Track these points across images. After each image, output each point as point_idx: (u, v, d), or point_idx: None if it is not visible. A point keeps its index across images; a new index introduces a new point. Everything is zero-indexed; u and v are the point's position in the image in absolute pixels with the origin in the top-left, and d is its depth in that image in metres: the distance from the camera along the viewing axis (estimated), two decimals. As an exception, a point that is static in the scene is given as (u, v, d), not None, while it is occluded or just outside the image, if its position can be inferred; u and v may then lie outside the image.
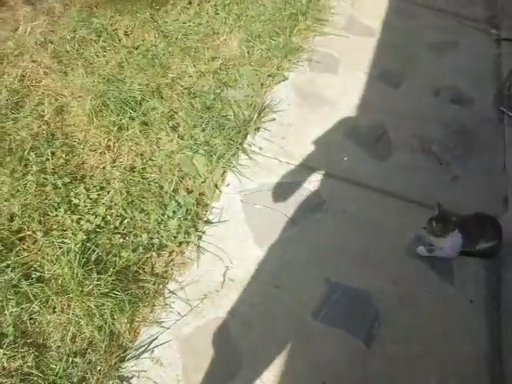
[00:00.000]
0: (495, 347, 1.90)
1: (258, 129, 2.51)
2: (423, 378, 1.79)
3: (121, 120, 2.37)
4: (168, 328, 1.78)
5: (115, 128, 2.33)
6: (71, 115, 2.39)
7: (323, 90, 2.80)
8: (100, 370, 1.64)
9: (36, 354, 1.65)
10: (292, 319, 1.87)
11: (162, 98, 2.55)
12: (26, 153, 2.17)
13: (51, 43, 2.70)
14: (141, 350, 1.71)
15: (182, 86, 2.63)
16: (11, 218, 1.98)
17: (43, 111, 2.37)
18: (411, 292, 2.03)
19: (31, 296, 1.74)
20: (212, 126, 2.43)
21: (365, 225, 2.23)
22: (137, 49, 2.76)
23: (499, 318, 1.99)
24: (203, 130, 2.41)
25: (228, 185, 2.27)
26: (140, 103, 2.48)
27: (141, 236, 2.00)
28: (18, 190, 2.06)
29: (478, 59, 3.25)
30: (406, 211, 2.31)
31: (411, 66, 3.09)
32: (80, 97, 2.47)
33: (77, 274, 1.79)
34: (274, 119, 2.58)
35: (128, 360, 1.69)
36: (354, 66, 2.99)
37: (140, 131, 2.36)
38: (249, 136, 2.47)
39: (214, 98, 2.60)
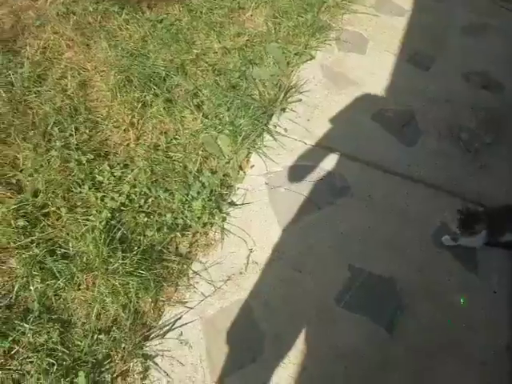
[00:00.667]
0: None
1: (283, 109, 2.45)
2: (443, 367, 1.78)
3: (145, 96, 2.33)
4: (192, 308, 1.78)
5: (139, 105, 2.30)
6: (94, 90, 2.36)
7: (351, 70, 2.72)
8: (124, 347, 1.66)
9: (61, 330, 1.67)
10: (314, 304, 1.87)
11: (186, 74, 2.50)
12: (49, 127, 2.16)
13: (73, 14, 2.65)
14: (165, 329, 1.72)
15: (206, 62, 2.57)
16: (35, 194, 1.98)
17: (66, 85, 2.34)
18: (435, 281, 2.01)
19: (56, 272, 1.75)
20: (237, 105, 2.38)
21: (390, 211, 2.19)
22: (160, 22, 2.70)
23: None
24: (228, 110, 2.36)
25: (252, 166, 2.24)
26: (164, 79, 2.43)
27: (165, 216, 1.99)
28: (42, 166, 2.05)
29: (509, 43, 3.12)
30: (431, 198, 2.26)
31: (441, 49, 2.98)
32: (103, 71, 2.43)
33: (102, 252, 1.79)
34: (300, 100, 2.52)
35: (152, 339, 1.70)
36: (383, 46, 2.89)
37: (164, 108, 2.32)
38: (274, 117, 2.42)
39: (239, 76, 2.54)
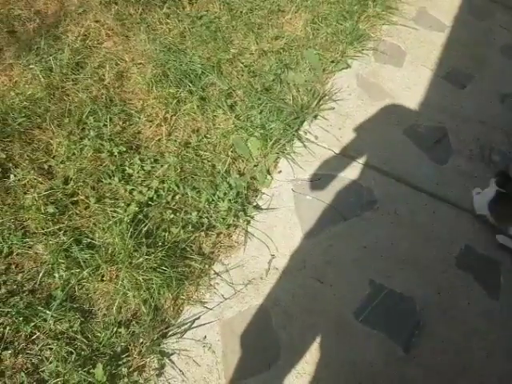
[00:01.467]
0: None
1: (315, 116, 2.44)
2: (459, 394, 1.77)
3: (180, 93, 2.34)
4: (211, 309, 1.79)
5: (174, 101, 2.30)
6: (131, 82, 2.38)
7: (386, 82, 2.69)
8: (142, 343, 1.67)
9: (82, 319, 1.69)
10: (333, 316, 1.86)
11: (221, 73, 2.50)
12: (84, 116, 2.18)
13: (115, 4, 2.66)
14: (183, 328, 1.73)
15: (242, 63, 2.56)
16: (66, 181, 2.01)
17: (103, 75, 2.36)
18: (455, 304, 1.98)
19: (82, 262, 1.77)
20: (270, 108, 2.38)
21: (415, 229, 2.16)
22: (200, 19, 2.70)
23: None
24: (260, 112, 2.36)
25: (280, 172, 2.23)
26: (200, 77, 2.44)
27: (191, 214, 2.00)
28: (74, 154, 2.08)
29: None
30: (458, 219, 2.23)
31: (479, 68, 2.92)
32: (141, 64, 2.44)
33: (128, 246, 1.81)
34: (333, 108, 2.50)
35: (170, 336, 1.71)
36: (420, 60, 2.85)
37: (197, 106, 2.33)
38: (305, 123, 2.41)
39: (274, 80, 2.54)
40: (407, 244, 2.12)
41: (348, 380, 1.73)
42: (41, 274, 1.74)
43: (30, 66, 2.30)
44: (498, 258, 2.13)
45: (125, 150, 2.13)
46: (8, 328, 1.60)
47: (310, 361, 1.75)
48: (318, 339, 1.80)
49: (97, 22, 2.57)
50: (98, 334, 1.66)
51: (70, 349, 1.61)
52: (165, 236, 1.92)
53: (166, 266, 1.80)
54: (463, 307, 1.98)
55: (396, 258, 2.06)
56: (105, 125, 2.18)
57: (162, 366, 1.64)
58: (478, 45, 3.05)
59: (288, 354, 1.75)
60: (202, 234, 1.97)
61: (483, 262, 2.12)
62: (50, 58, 2.32)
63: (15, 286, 1.72)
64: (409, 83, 2.72)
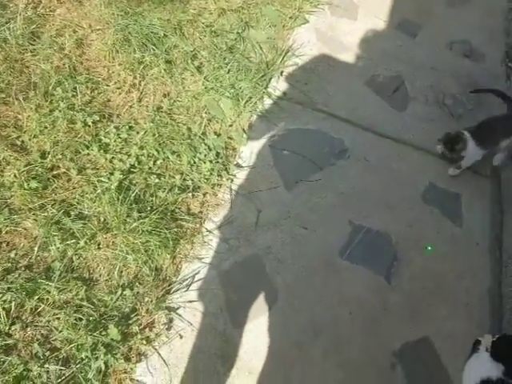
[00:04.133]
0: (496, 282, 2.12)
1: (281, 73, 2.50)
2: (436, 309, 2.00)
3: (145, 57, 2.30)
4: (208, 263, 1.88)
5: (140, 66, 2.27)
6: (92, 49, 2.31)
7: (344, 35, 2.78)
8: (148, 301, 1.74)
9: (85, 287, 1.72)
10: (320, 257, 2.02)
11: (183, 35, 2.47)
12: (51, 88, 2.10)
13: (62, -32, 2.51)
14: (185, 283, 1.82)
15: (203, 23, 2.55)
16: (43, 155, 1.96)
17: (63, 43, 2.27)
18: (425, 234, 2.20)
19: (76, 232, 1.78)
20: (237, 67, 2.41)
21: (384, 173, 2.34)
22: (154, -21, 2.62)
23: (501, 257, 2.20)
24: (228, 72, 2.39)
25: (255, 129, 2.30)
26: (162, 40, 2.40)
27: (174, 177, 2.04)
28: (46, 127, 2.02)
29: (491, 14, 3.26)
30: (421, 160, 2.43)
31: (427, 18, 3.08)
32: (99, 29, 2.36)
33: (120, 212, 1.83)
34: (297, 64, 2.58)
35: (174, 293, 1.79)
36: (373, 12, 2.96)
37: (164, 70, 2.31)
38: (273, 80, 2.47)
39: (236, 39, 2.55)
40: (379, 187, 2.29)
41: (339, 311, 1.90)
42: (36, 249, 1.73)
43: (-18, 39, 2.17)
44: (458, 191, 2.36)
45: (98, 119, 2.10)
46: (13, 303, 1.60)
47: (305, 298, 1.90)
48: (310, 279, 1.95)
49: (45, -13, 2.43)
50: (104, 299, 1.71)
51: (79, 315, 1.65)
52: (153, 200, 1.95)
53: (160, 228, 1.85)
54: (433, 236, 2.20)
55: (370, 200, 2.23)
56: (73, 95, 2.12)
57: (171, 320, 1.73)
58: (424, -5, 3.21)
59: (284, 295, 1.89)
60: (189, 195, 2.02)
61: (446, 195, 2.34)
62: (4, 28, 2.19)
63: (10, 264, 1.71)
64: (365, 35, 2.83)
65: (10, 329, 1.59)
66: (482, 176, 2.47)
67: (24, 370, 1.55)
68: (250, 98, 2.34)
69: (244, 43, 2.56)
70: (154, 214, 1.87)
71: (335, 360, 1.79)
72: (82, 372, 1.58)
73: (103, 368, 1.57)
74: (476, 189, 2.42)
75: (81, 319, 1.65)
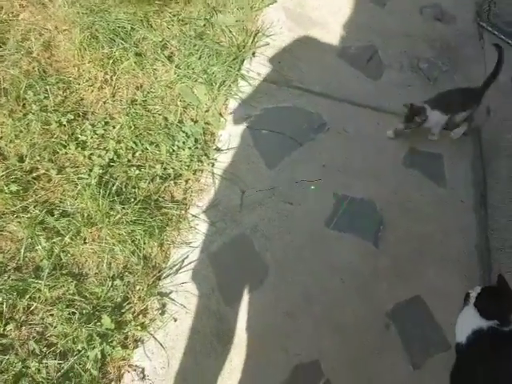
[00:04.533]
0: (484, 237, 2.15)
1: (253, 54, 2.51)
2: (425, 269, 2.02)
3: (114, 52, 2.30)
4: (197, 247, 1.89)
5: (110, 61, 2.27)
6: (60, 50, 2.30)
7: (312, 11, 2.78)
8: (139, 289, 1.76)
9: (75, 282, 1.73)
10: (307, 230, 2.03)
11: (151, 26, 2.47)
12: (22, 92, 2.10)
13: (22, -28, 2.50)
14: (175, 268, 1.83)
15: (170, 12, 2.54)
16: (21, 159, 1.97)
17: (30, 47, 2.26)
18: (410, 198, 2.22)
19: (61, 229, 1.79)
20: (207, 53, 2.41)
21: (364, 142, 2.35)
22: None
23: (486, 213, 2.22)
24: (199, 58, 2.39)
25: (232, 112, 2.31)
26: (130, 34, 2.40)
27: (155, 167, 2.05)
28: (21, 131, 2.02)
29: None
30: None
31: (394, -16, 3.08)
32: (66, 30, 2.36)
33: (102, 206, 1.84)
34: (268, 44, 2.58)
35: (164, 278, 1.81)
36: (340, -16, 2.95)
37: (135, 63, 2.31)
38: (245, 62, 2.47)
39: (205, 25, 2.55)
40: (360, 156, 2.30)
41: (331, 280, 1.92)
42: (23, 250, 1.74)
43: None
44: (439, 152, 2.38)
45: (72, 118, 2.10)
46: (5, 304, 1.62)
47: (296, 271, 1.92)
48: (299, 252, 1.97)
49: (6, -7, 2.42)
50: (95, 291, 1.72)
51: (72, 310, 1.66)
52: (135, 192, 1.96)
53: (144, 218, 1.86)
54: (417, 199, 2.22)
55: (352, 170, 2.24)
56: (45, 97, 2.12)
57: (164, 305, 1.75)
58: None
59: (275, 269, 1.91)
60: (171, 183, 2.03)
61: (427, 158, 2.36)
62: (-33, 37, 2.19)
63: (-2, 267, 1.72)
64: (334, 8, 2.83)
65: (4, 329, 1.60)
66: (464, 135, 2.48)
67: (23, 367, 1.56)
68: (224, 81, 2.35)
69: (213, 28, 2.55)
70: (137, 204, 1.88)
71: (330, 327, 1.81)
72: (80, 364, 1.59)
73: (100, 357, 1.59)
74: (457, 149, 2.43)
75: (74, 313, 1.66)
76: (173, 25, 2.51)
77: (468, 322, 1.76)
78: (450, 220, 2.18)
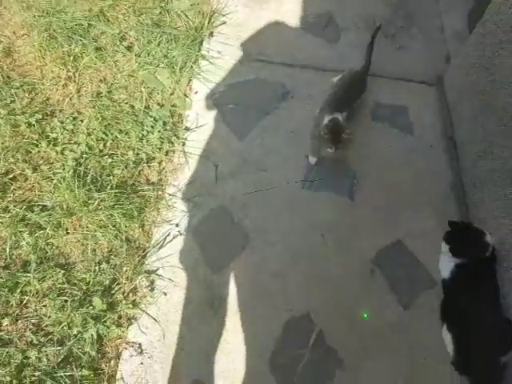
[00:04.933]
0: (458, 178, 2.21)
1: (211, 34, 2.54)
2: (403, 215, 2.08)
3: (73, 49, 2.33)
4: (177, 224, 1.94)
5: (70, 58, 2.30)
6: (21, 54, 2.33)
7: (265, -15, 2.82)
8: (126, 270, 1.81)
9: (63, 271, 1.78)
10: (283, 194, 2.08)
11: (108, 20, 2.50)
12: (-13, 99, 2.14)
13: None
14: (158, 246, 1.88)
15: (125, 5, 2.57)
16: (-5, 163, 2.00)
17: (-10, 55, 2.29)
18: (379, 149, 2.27)
19: (43, 223, 1.84)
20: (166, 39, 2.44)
21: (330, 103, 2.40)
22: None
23: (456, 154, 2.28)
24: (158, 45, 2.42)
25: (196, 92, 2.35)
26: (88, 30, 2.43)
27: (127, 154, 2.09)
28: (-8, 136, 2.06)
29: None
30: (363, 84, 2.50)
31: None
32: (24, 34, 2.38)
33: (79, 195, 1.88)
34: (225, 22, 2.61)
35: (150, 257, 1.86)
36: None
37: (96, 57, 2.34)
38: (205, 42, 2.51)
39: (161, 12, 2.58)
40: (327, 117, 2.35)
41: (312, 236, 1.98)
42: (8, 248, 1.78)
43: None
44: (404, 104, 2.44)
45: (41, 117, 2.14)
46: (-3, 301, 1.67)
47: (277, 233, 1.98)
48: (278, 215, 2.02)
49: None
50: (84, 277, 1.77)
51: (63, 298, 1.71)
52: (110, 179, 2.01)
53: (122, 201, 1.91)
54: (387, 149, 2.27)
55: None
56: (12, 101, 2.16)
57: (152, 282, 1.80)
58: None
59: (256, 234, 1.96)
60: (145, 166, 2.08)
61: (393, 110, 2.42)
62: None
63: (-14, 268, 1.76)
64: (285, -20, 2.87)
65: (0, 324, 1.65)
66: (427, 85, 2.54)
67: (23, 358, 1.62)
68: (185, 63, 2.38)
69: (169, 15, 2.58)
70: (113, 189, 1.92)
71: (317, 280, 1.87)
72: (78, 347, 1.65)
73: (95, 337, 1.64)
74: (421, 99, 2.49)
75: (66, 301, 1.72)
76: (129, 16, 2.53)
77: (449, 259, 1.84)
78: (421, 165, 2.24)
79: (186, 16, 2.60)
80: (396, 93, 2.49)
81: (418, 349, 1.79)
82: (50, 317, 1.69)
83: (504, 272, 1.78)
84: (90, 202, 1.90)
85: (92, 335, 1.64)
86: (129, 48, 2.42)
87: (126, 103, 2.24)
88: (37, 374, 1.61)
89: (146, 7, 2.60)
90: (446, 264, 1.89)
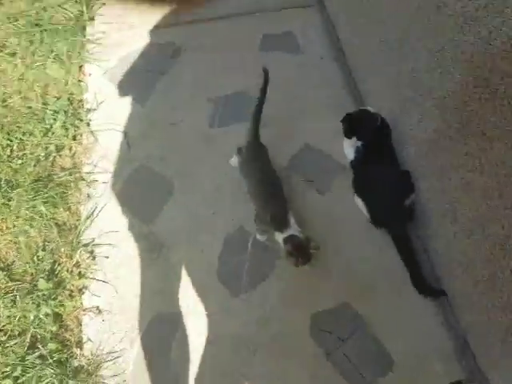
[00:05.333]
0: (350, 81, 2.34)
1: (93, 18, 2.59)
2: (305, 123, 2.20)
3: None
4: (102, 195, 2.01)
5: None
6: None
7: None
8: (64, 250, 1.86)
9: (5, 272, 1.82)
10: (196, 137, 2.18)
11: (-19, 34, 2.50)
12: None
13: None
14: (89, 220, 1.94)
15: (-4, 16, 2.57)
16: None
17: None
18: (276, 75, 2.22)
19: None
20: (48, 34, 2.47)
21: (222, 46, 2.51)
22: None
23: (345, 59, 2.41)
24: (41, 42, 2.45)
25: (90, 74, 2.39)
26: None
27: (36, 151, 2.12)
28: None
29: None
30: (250, 22, 2.62)
31: None
32: None
33: (-4, 200, 1.92)
34: (104, 4, 2.67)
35: (83, 232, 1.91)
36: None
37: (-21, 73, 2.35)
38: (88, 28, 2.55)
39: (37, 12, 2.59)
40: (221, 60, 2.44)
41: (223, 177, 2.06)
42: None
43: None
44: (288, 30, 2.57)
45: None
46: None
47: (199, 173, 2.07)
48: (195, 158, 2.12)
49: None
50: (26, 270, 1.82)
51: (11, 295, 1.75)
52: (25, 178, 2.03)
53: (41, 192, 1.96)
54: (282, 73, 2.31)
55: (217, 73, 2.40)
56: None
57: (92, 252, 1.87)
58: None
59: (179, 179, 2.06)
60: (56, 156, 2.12)
61: (279, 37, 2.54)
62: None
63: None
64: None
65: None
66: (308, 7, 2.66)
67: (-10, 360, 1.66)
68: (72, 51, 2.42)
69: (47, 12, 2.60)
70: (29, 183, 1.97)
71: (245, 197, 1.89)
72: (40, 329, 1.70)
73: (51, 313, 1.70)
74: (304, 21, 2.61)
75: (15, 296, 1.76)
76: (3, 23, 2.54)
77: (351, 144, 2.00)
78: (315, 76, 2.37)
79: (64, 8, 2.62)
80: (280, 22, 2.59)
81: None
82: (7, 316, 1.73)
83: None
84: (9, 203, 1.94)
85: (47, 312, 1.70)
86: (12, 54, 2.43)
87: (23, 106, 2.27)
88: (8, 368, 1.65)
89: (20, 11, 2.60)
90: (349, 148, 2.05)
